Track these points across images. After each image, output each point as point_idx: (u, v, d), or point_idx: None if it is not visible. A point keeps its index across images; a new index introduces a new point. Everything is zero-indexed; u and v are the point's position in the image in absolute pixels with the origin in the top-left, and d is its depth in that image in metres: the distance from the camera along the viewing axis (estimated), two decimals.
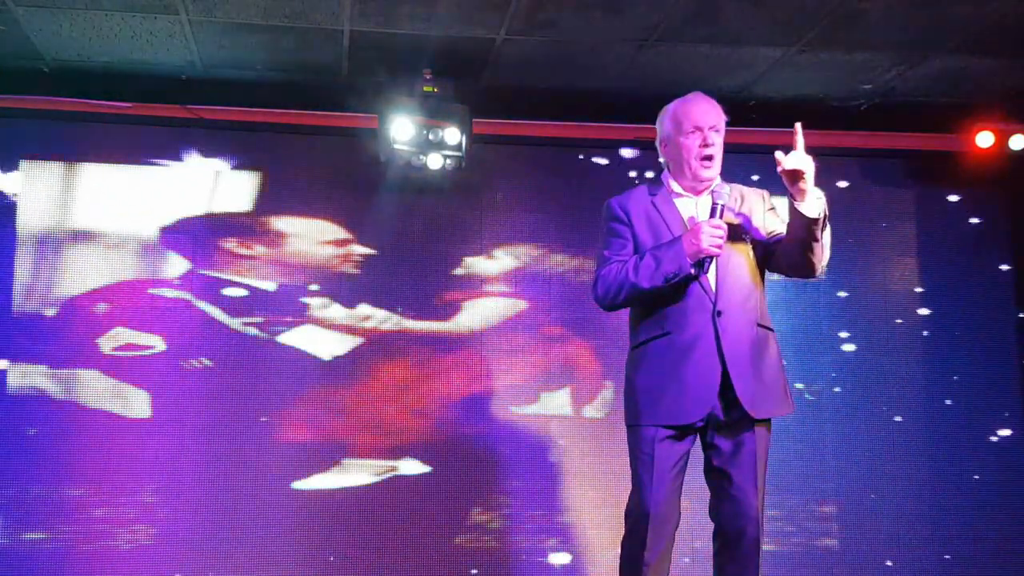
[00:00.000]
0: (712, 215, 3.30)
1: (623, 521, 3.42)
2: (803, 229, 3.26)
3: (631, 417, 3.40)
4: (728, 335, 3.29)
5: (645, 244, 3.40)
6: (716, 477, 3.37)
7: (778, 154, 3.27)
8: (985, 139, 5.75)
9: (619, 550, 3.43)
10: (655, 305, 3.36)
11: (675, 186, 3.48)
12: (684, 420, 3.29)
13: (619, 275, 3.35)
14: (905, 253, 6.06)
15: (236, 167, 5.68)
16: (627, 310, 3.53)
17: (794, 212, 3.27)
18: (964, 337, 5.97)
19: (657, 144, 3.54)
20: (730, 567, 3.36)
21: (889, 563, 5.72)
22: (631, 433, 3.41)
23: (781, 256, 3.40)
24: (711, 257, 3.27)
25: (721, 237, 3.25)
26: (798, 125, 3.33)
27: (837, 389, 5.87)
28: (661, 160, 3.55)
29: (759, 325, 3.38)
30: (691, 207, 3.43)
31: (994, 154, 5.78)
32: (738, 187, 3.52)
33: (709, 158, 3.39)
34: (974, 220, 6.10)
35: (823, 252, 3.35)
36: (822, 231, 3.29)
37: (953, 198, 6.10)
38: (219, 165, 5.66)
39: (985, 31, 4.89)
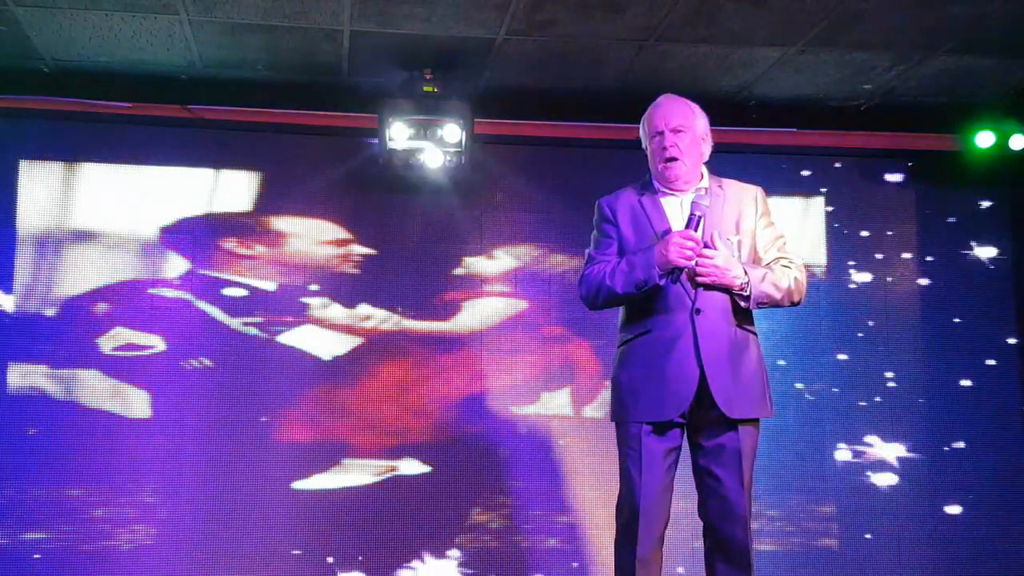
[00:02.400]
0: (688, 225, 3.31)
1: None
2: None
3: (616, 413, 3.46)
4: (706, 334, 3.32)
5: (629, 241, 3.45)
6: (702, 477, 3.39)
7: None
8: (985, 139, 5.75)
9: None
10: (639, 304, 3.41)
11: (661, 186, 3.51)
12: (662, 417, 3.33)
13: (598, 277, 3.43)
14: (905, 253, 6.05)
15: (236, 167, 5.67)
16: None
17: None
18: (964, 337, 5.97)
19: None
20: (721, 566, 3.37)
21: (888, 563, 5.72)
22: (618, 429, 3.45)
23: None
24: (682, 269, 3.29)
25: (692, 249, 3.27)
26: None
27: (836, 389, 5.87)
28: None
29: (739, 326, 3.39)
30: (676, 205, 3.46)
31: (994, 154, 5.78)
32: (728, 183, 3.53)
33: (671, 159, 3.42)
34: (974, 220, 6.09)
35: (786, 302, 3.45)
36: (765, 302, 3.39)
37: (953, 198, 6.10)
38: (219, 165, 5.66)
39: (985, 31, 4.89)
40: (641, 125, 3.55)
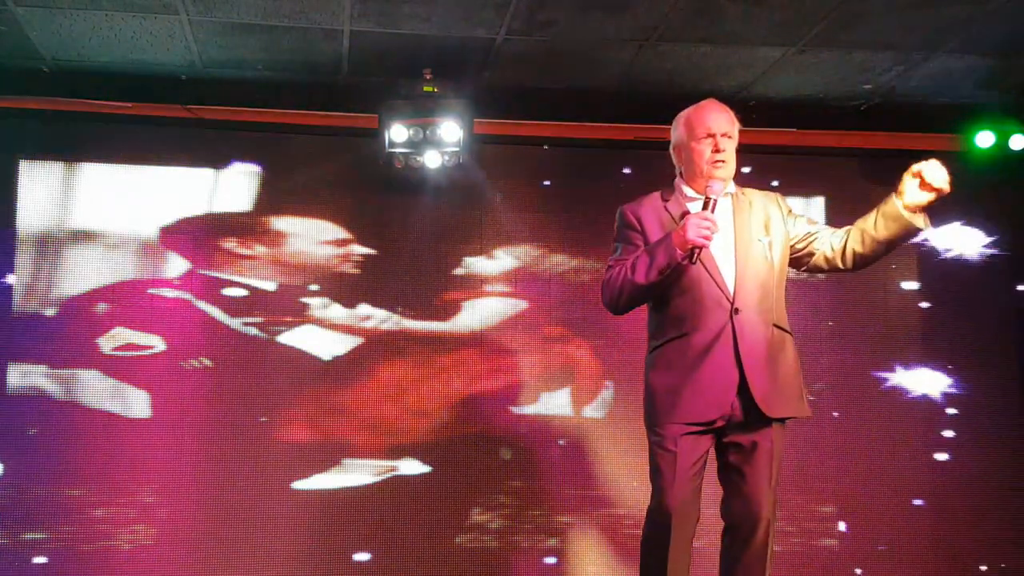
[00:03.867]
0: (704, 207, 3.31)
1: (635, 523, 3.43)
2: (904, 235, 3.44)
3: (651, 419, 3.42)
4: (745, 334, 3.32)
5: None
6: (730, 475, 3.39)
7: (922, 167, 3.39)
8: (985, 139, 5.76)
9: (621, 550, 3.44)
10: (673, 306, 3.39)
11: (688, 190, 3.52)
12: (703, 418, 3.31)
13: (619, 276, 3.40)
14: (905, 253, 6.05)
15: (236, 167, 5.67)
16: (645, 313, 3.55)
17: (904, 221, 3.41)
18: (964, 337, 5.97)
19: (671, 150, 3.60)
20: (737, 565, 3.36)
21: (889, 563, 5.72)
22: (651, 433, 3.42)
23: (843, 252, 3.53)
24: (700, 248, 3.28)
25: (709, 228, 3.26)
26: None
27: (837, 389, 5.87)
28: (676, 165, 3.60)
29: (776, 326, 3.41)
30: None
31: (994, 154, 5.78)
32: (749, 190, 3.56)
33: (720, 161, 3.44)
34: (974, 220, 6.09)
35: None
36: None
37: (953, 198, 6.06)
38: (219, 165, 5.66)
39: (985, 31, 4.89)
40: (681, 125, 3.53)
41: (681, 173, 3.57)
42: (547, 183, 5.85)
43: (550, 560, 5.53)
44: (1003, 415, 5.93)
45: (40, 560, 5.20)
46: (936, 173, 3.35)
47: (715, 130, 3.45)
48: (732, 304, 3.33)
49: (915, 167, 3.36)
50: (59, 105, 5.44)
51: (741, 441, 3.35)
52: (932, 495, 5.82)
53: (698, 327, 3.33)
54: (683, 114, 3.55)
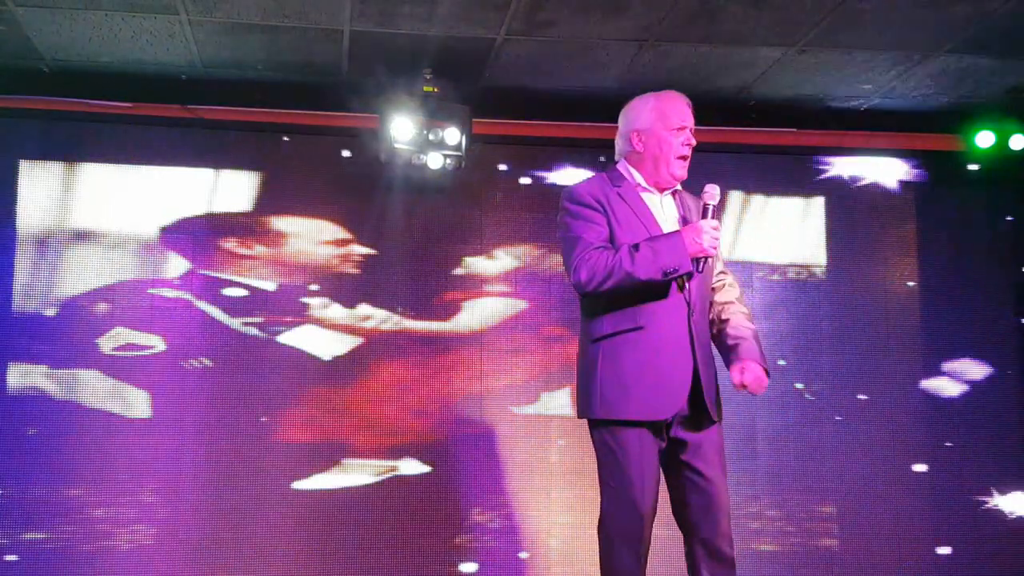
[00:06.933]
0: (705, 215, 3.26)
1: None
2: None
3: (603, 411, 3.32)
4: (698, 334, 3.30)
5: (616, 234, 3.29)
6: (683, 472, 3.30)
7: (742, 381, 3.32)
8: (985, 139, 5.76)
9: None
10: (629, 298, 3.27)
11: (640, 179, 3.39)
12: (658, 416, 3.24)
13: (611, 262, 3.22)
14: (905, 253, 6.06)
15: (236, 167, 5.67)
16: (578, 301, 3.45)
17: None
18: (964, 337, 5.97)
19: (626, 134, 3.43)
20: (708, 563, 3.29)
21: (889, 563, 5.72)
22: (608, 432, 3.35)
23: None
24: (706, 257, 3.25)
25: (718, 239, 3.25)
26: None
27: (837, 389, 5.87)
28: (627, 149, 3.42)
29: (710, 327, 3.42)
30: (656, 203, 3.37)
31: (994, 154, 5.78)
32: (684, 192, 3.46)
33: (686, 157, 3.35)
34: (974, 220, 6.09)
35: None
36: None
37: (953, 198, 6.09)
38: (219, 165, 5.66)
39: (985, 31, 4.89)
40: (650, 110, 3.38)
41: (632, 159, 3.40)
42: (547, 183, 5.86)
43: (550, 560, 5.54)
44: (1001, 413, 5.93)
45: (40, 560, 5.20)
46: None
47: (688, 123, 3.35)
48: (689, 305, 3.28)
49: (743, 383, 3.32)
50: (59, 105, 5.44)
51: (691, 439, 3.27)
52: (932, 495, 5.83)
53: (656, 322, 3.24)
54: (649, 99, 3.40)
